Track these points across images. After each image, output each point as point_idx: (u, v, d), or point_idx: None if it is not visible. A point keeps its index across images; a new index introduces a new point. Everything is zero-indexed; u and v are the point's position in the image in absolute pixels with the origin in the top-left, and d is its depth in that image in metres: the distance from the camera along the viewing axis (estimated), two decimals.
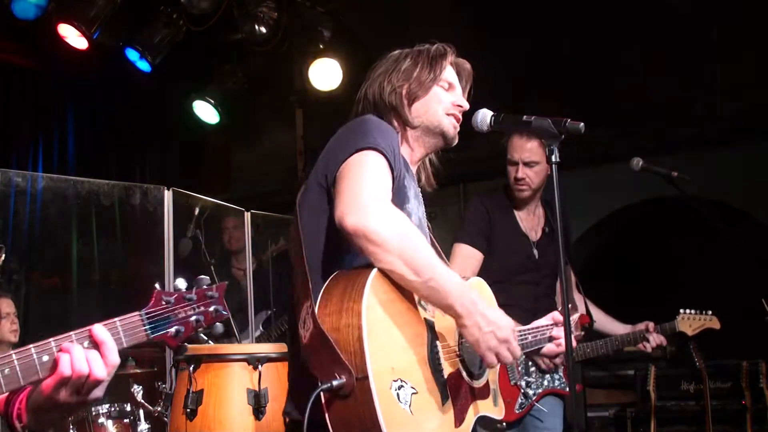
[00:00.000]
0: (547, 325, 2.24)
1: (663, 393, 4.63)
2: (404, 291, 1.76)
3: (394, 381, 1.64)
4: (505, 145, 3.40)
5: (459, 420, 1.86)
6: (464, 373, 1.93)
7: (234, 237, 5.11)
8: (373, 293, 1.66)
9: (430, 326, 1.83)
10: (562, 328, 2.20)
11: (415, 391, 1.68)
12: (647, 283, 5.85)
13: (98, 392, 1.44)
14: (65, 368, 1.37)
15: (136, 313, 1.48)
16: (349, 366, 1.58)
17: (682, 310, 3.56)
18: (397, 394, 1.63)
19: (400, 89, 2.04)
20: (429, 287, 1.71)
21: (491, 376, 2.08)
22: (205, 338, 1.48)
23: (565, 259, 3.82)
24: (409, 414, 1.65)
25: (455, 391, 1.85)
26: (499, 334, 1.78)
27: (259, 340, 4.75)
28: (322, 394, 1.61)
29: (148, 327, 1.48)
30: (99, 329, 1.42)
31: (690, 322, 3.56)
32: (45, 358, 1.38)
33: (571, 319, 2.14)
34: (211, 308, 1.57)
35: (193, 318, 1.54)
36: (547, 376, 3.36)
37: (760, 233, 5.17)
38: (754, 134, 5.14)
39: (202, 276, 1.58)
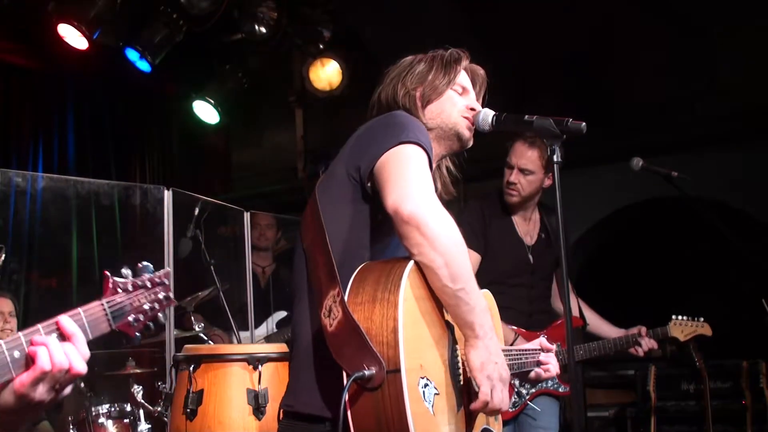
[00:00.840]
0: (533, 350, 2.21)
1: (663, 393, 4.64)
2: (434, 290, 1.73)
3: (422, 378, 1.60)
4: (508, 148, 3.42)
5: (469, 428, 1.82)
6: (475, 385, 1.90)
7: (265, 236, 5.15)
8: (410, 286, 1.62)
9: (451, 329, 1.80)
10: (549, 355, 2.21)
11: (437, 392, 1.65)
12: (647, 284, 5.85)
13: (69, 388, 1.35)
14: (44, 363, 1.26)
15: (98, 302, 1.40)
16: (381, 358, 1.53)
17: (674, 316, 3.57)
18: (423, 392, 1.59)
19: (414, 92, 2.03)
20: (458, 297, 1.67)
21: None
22: (152, 327, 1.40)
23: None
24: (431, 414, 1.61)
25: (468, 399, 1.80)
26: (502, 372, 1.74)
27: (270, 339, 4.75)
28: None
29: (110, 316, 1.40)
30: (67, 321, 1.33)
31: (682, 327, 3.57)
32: (17, 354, 1.26)
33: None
34: (162, 295, 1.51)
35: (147, 306, 1.48)
36: None
37: (760, 233, 5.16)
38: (754, 134, 5.14)
39: (146, 263, 1.52)
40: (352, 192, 1.82)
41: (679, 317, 3.57)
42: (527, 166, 3.35)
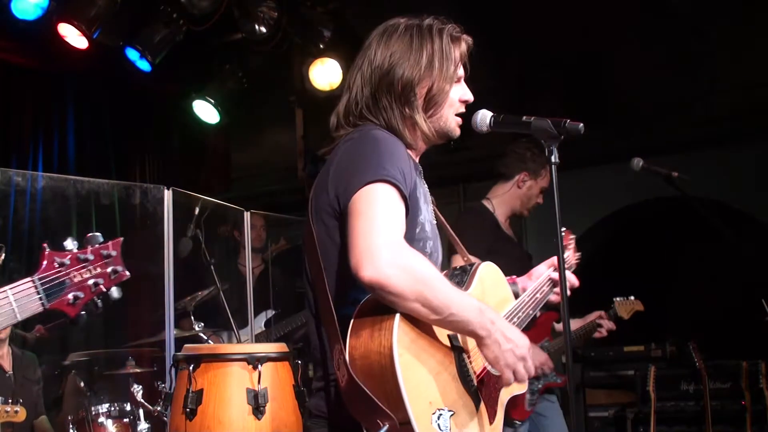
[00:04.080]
0: (542, 282, 2.30)
1: (663, 393, 4.64)
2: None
3: (433, 414, 1.69)
4: (540, 173, 3.66)
5: (492, 415, 1.92)
6: (489, 367, 1.94)
7: (260, 236, 5.21)
8: (401, 337, 1.68)
9: (454, 339, 1.86)
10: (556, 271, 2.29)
11: (452, 413, 1.74)
12: (647, 284, 5.85)
13: None
14: None
15: (28, 279, 1.30)
16: (390, 413, 1.60)
17: (615, 298, 3.92)
18: (438, 425, 1.69)
19: (418, 98, 1.93)
20: (450, 322, 1.73)
21: None
22: (99, 304, 1.28)
23: (529, 255, 3.95)
24: None
25: (485, 388, 1.91)
26: (517, 352, 1.80)
27: (258, 338, 4.76)
28: None
29: (43, 294, 1.30)
30: None
31: (624, 306, 3.90)
32: None
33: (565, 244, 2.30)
34: (109, 269, 1.39)
35: (91, 281, 1.36)
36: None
37: (761, 233, 5.16)
38: (754, 134, 5.14)
39: (94, 233, 1.41)
40: (337, 223, 1.83)
41: (619, 298, 3.92)
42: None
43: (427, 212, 1.97)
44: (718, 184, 5.14)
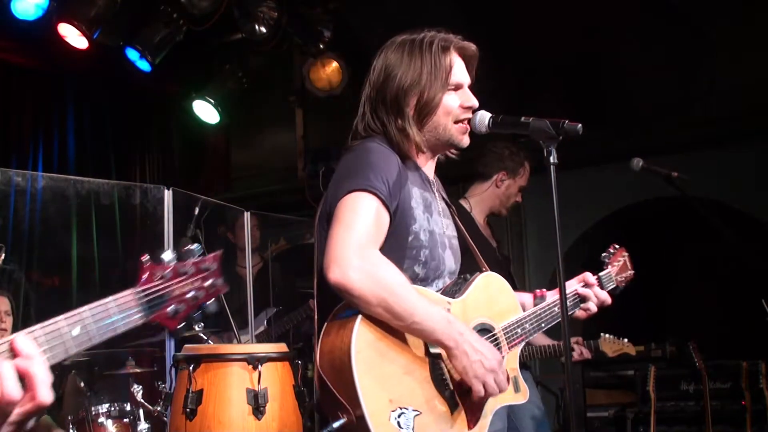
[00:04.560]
0: (553, 302, 2.29)
1: (663, 393, 4.63)
2: None
3: (393, 411, 1.76)
4: (518, 171, 3.68)
5: (472, 421, 1.94)
6: (457, 376, 1.96)
7: (254, 236, 5.19)
8: (361, 336, 1.78)
9: (430, 345, 1.90)
10: (589, 289, 2.32)
11: (418, 413, 1.81)
12: (647, 284, 5.84)
13: (32, 422, 1.14)
14: None
15: (130, 291, 1.26)
16: (348, 407, 1.73)
17: (602, 334, 3.78)
18: (398, 422, 1.76)
19: (408, 109, 2.02)
20: (413, 329, 1.83)
21: (509, 364, 2.11)
22: (198, 318, 1.37)
23: (509, 258, 3.95)
24: None
25: (465, 395, 1.92)
26: (486, 364, 1.85)
27: (259, 338, 4.76)
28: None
29: (144, 307, 1.27)
30: (23, 342, 1.10)
31: (610, 345, 3.79)
32: None
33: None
34: (208, 282, 1.36)
35: (191, 294, 1.33)
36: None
37: (761, 233, 5.16)
38: (754, 134, 5.14)
39: (192, 245, 1.38)
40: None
41: (607, 335, 3.79)
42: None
43: (426, 221, 2.02)
44: (718, 184, 5.13)
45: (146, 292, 1.28)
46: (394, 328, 1.83)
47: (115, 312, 1.22)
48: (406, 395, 1.80)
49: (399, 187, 1.94)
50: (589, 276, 2.36)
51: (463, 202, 3.72)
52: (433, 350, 1.89)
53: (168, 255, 1.33)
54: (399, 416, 1.76)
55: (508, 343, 2.10)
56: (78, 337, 1.18)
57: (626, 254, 2.66)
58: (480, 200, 3.73)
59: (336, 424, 1.75)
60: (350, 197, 1.86)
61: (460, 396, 1.91)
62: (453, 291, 2.07)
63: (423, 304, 1.82)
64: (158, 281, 1.30)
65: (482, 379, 1.85)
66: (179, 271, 1.33)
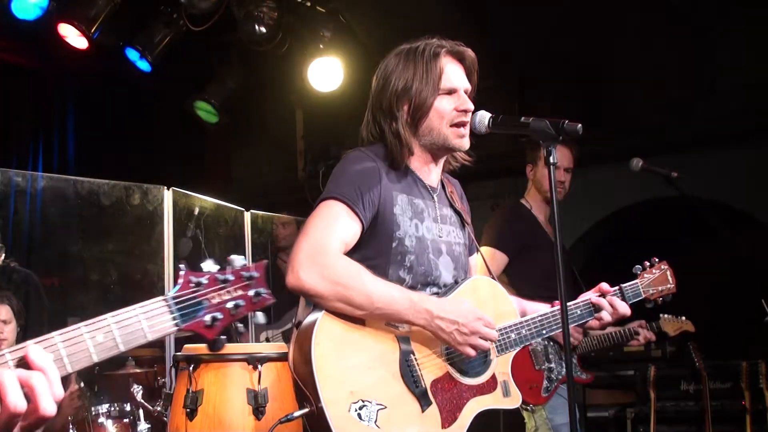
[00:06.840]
0: (575, 304, 2.28)
1: (663, 393, 4.63)
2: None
3: (354, 403, 1.82)
4: (537, 157, 3.62)
5: (448, 421, 1.94)
6: (456, 374, 1.97)
7: (281, 235, 5.29)
8: (323, 331, 1.86)
9: (403, 341, 1.93)
10: (602, 300, 2.31)
11: (382, 407, 1.85)
12: None
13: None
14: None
15: (161, 298, 1.20)
16: (311, 397, 1.81)
17: (662, 315, 3.78)
18: (358, 414, 1.82)
19: (401, 114, 2.07)
20: (378, 315, 1.88)
21: (499, 368, 2.11)
22: (242, 329, 1.32)
23: (570, 251, 3.92)
24: (375, 429, 1.83)
25: (442, 394, 1.94)
26: (463, 330, 1.90)
27: (286, 335, 4.76)
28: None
29: (176, 314, 1.20)
30: (36, 352, 1.07)
31: (671, 324, 3.81)
32: None
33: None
34: (251, 292, 1.29)
35: (231, 303, 1.26)
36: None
37: (761, 233, 5.16)
38: (755, 134, 5.14)
39: (236, 255, 1.32)
40: None
41: (666, 315, 3.79)
42: (571, 165, 3.58)
43: (413, 227, 2.03)
44: (718, 184, 5.13)
45: (178, 300, 1.22)
46: (363, 322, 1.88)
47: (142, 318, 1.18)
48: (369, 388, 1.85)
49: (377, 194, 1.98)
50: (605, 286, 2.34)
51: (523, 201, 3.79)
52: (404, 346, 1.93)
53: (208, 264, 1.29)
54: (360, 408, 1.81)
55: (498, 348, 2.09)
56: (103, 344, 1.15)
57: (666, 267, 2.64)
58: (531, 197, 3.79)
59: (297, 413, 1.83)
60: (319, 205, 1.97)
61: (434, 394, 1.92)
62: (445, 294, 2.09)
63: (381, 289, 1.88)
64: (193, 288, 1.24)
65: (466, 344, 1.91)
66: (218, 279, 1.27)
